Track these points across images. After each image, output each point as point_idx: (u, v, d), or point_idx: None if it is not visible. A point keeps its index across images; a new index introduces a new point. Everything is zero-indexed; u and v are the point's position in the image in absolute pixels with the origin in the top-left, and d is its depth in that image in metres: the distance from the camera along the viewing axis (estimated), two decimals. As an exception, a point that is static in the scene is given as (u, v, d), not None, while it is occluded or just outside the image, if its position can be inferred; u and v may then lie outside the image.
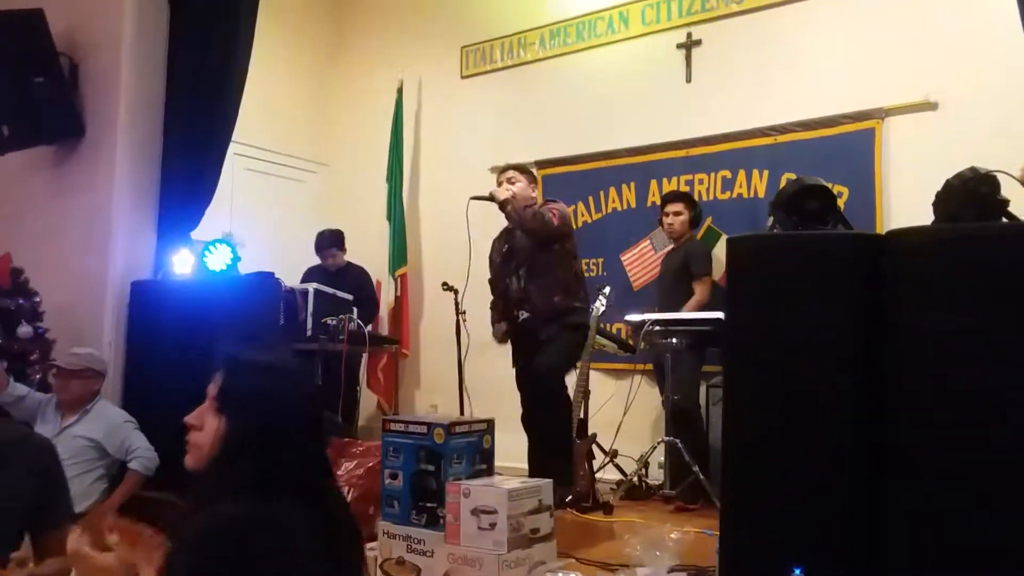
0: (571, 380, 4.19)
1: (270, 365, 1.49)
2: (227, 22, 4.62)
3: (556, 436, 3.93)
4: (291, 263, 5.68)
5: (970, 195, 2.20)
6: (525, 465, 4.20)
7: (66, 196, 4.76)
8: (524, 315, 4.01)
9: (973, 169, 2.22)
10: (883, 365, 2.20)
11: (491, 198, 4.07)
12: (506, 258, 4.15)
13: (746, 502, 2.36)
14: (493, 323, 4.34)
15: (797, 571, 2.22)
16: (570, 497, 3.84)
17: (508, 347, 4.33)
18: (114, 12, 4.68)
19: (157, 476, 3.79)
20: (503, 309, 4.19)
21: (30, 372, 4.19)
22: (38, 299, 4.36)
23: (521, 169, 4.29)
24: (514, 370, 4.26)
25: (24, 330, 4.23)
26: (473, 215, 4.12)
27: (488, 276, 4.37)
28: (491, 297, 4.39)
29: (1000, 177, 2.20)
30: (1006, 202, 2.21)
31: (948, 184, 2.25)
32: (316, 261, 5.97)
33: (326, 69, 7.07)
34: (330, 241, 5.86)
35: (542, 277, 4.00)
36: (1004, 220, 2.21)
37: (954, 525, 2.03)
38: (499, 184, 4.20)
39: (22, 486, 1.84)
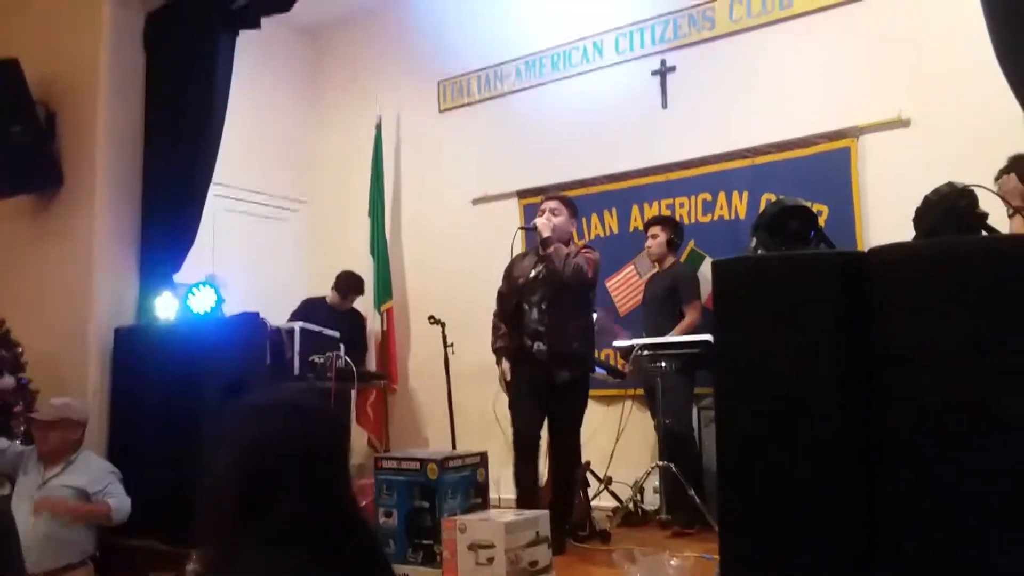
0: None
1: (261, 406, 1.41)
2: (205, 65, 4.62)
3: (564, 501, 3.91)
4: (276, 302, 5.66)
5: (949, 210, 2.22)
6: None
7: (46, 244, 4.72)
8: (540, 347, 3.91)
9: (951, 184, 2.24)
10: (871, 380, 2.21)
11: (535, 229, 4.05)
12: (532, 284, 4.02)
13: (744, 525, 2.35)
14: (494, 347, 4.18)
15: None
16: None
17: (496, 379, 4.27)
18: (90, 59, 4.67)
19: (141, 523, 3.76)
20: (508, 334, 4.06)
21: (14, 424, 4.13)
22: (20, 349, 4.31)
23: (566, 202, 4.17)
24: (507, 395, 4.11)
25: (6, 381, 4.17)
26: (456, 237, 4.11)
27: (500, 287, 4.21)
28: (472, 324, 4.31)
29: (977, 191, 2.23)
30: (984, 215, 2.23)
31: (927, 200, 2.28)
32: (300, 296, 5.97)
33: (304, 107, 7.09)
34: (355, 288, 5.98)
35: (566, 319, 3.93)
36: (983, 233, 2.24)
37: (950, 533, 2.04)
38: (541, 212, 4.11)
39: None
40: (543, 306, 3.95)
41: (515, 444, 3.94)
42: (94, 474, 3.75)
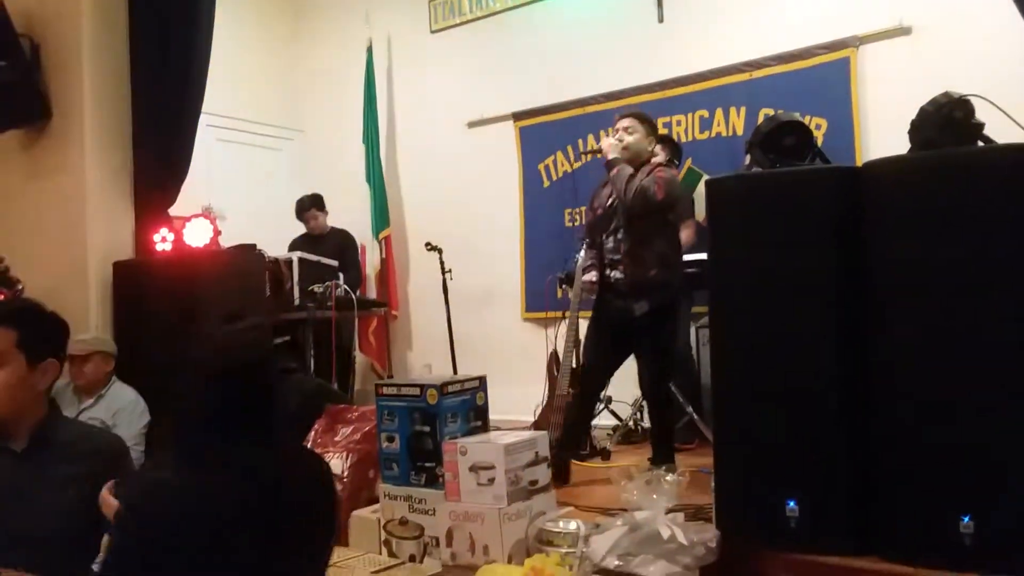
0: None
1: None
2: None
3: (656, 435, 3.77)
4: (273, 233, 5.64)
5: (945, 121, 2.20)
6: (519, 417, 4.25)
7: (39, 180, 4.69)
8: (617, 276, 3.65)
9: (947, 94, 2.21)
10: (866, 294, 2.22)
11: (599, 153, 3.73)
12: (608, 213, 3.71)
13: (739, 439, 2.40)
14: (584, 270, 3.96)
15: (791, 503, 2.27)
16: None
17: (495, 303, 4.28)
18: (71, -12, 4.56)
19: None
20: (597, 266, 3.82)
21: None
22: (20, 287, 4.32)
23: (641, 118, 3.77)
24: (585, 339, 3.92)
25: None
26: (452, 162, 4.04)
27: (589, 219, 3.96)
28: (470, 249, 4.19)
29: (975, 100, 2.19)
30: (981, 125, 2.21)
31: (923, 111, 2.25)
32: (299, 228, 5.96)
33: (293, 32, 6.93)
34: (310, 202, 5.90)
35: (640, 246, 3.61)
36: (980, 144, 2.22)
37: (940, 449, 2.08)
38: (616, 130, 3.74)
39: None
40: (619, 235, 3.66)
41: (581, 379, 3.87)
42: (118, 408, 3.84)
